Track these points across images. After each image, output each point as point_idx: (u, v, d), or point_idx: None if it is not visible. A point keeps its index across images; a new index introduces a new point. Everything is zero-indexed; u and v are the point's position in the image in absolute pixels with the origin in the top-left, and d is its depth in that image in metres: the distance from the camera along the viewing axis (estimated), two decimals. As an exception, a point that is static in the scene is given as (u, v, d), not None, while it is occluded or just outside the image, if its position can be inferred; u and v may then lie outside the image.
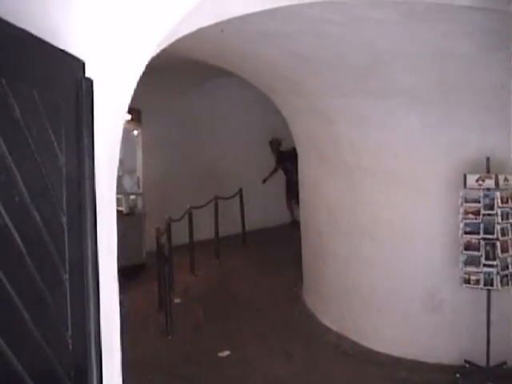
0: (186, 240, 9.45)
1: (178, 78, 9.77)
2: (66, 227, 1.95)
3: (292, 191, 11.21)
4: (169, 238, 8.42)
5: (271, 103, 8.43)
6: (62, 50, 1.95)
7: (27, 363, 1.66)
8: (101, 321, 2.15)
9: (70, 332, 1.96)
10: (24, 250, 1.68)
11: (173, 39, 3.01)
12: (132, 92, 2.64)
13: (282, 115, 8.41)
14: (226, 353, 6.51)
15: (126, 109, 2.65)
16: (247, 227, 11.41)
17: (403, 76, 5.68)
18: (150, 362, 6.17)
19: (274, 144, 12.36)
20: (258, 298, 8.32)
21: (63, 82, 1.98)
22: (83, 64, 2.10)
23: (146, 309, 7.80)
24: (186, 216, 9.39)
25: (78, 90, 2.06)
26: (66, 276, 1.95)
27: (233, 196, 11.14)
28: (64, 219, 1.94)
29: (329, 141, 7.17)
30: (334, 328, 7.08)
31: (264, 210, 11.85)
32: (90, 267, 2.08)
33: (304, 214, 8.30)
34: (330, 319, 7.26)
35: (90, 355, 2.08)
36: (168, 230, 8.50)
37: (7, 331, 1.58)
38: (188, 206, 9.44)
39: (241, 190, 11.30)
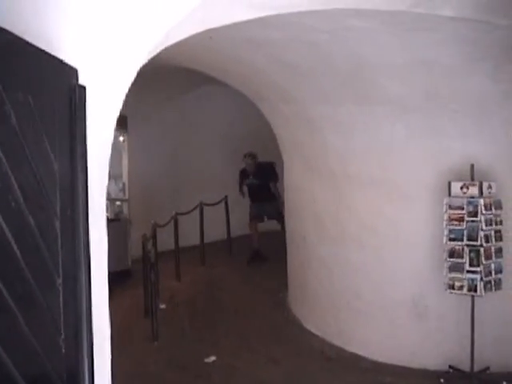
0: (172, 246, 9.46)
1: (166, 84, 9.82)
2: (59, 232, 1.97)
3: (259, 209, 10.63)
4: (154, 244, 8.42)
5: (256, 111, 8.52)
6: (57, 58, 1.98)
7: (21, 366, 1.68)
8: (93, 325, 2.18)
9: (62, 336, 1.98)
10: (19, 254, 1.70)
11: (164, 46, 3.04)
12: (123, 98, 2.67)
13: (264, 123, 8.53)
14: (212, 358, 6.52)
15: (117, 115, 2.68)
16: (232, 234, 11.44)
17: (388, 84, 5.75)
18: (136, 368, 6.16)
19: (250, 157, 10.64)
20: (243, 304, 8.35)
21: (57, 88, 2.01)
22: (76, 71, 2.13)
23: (132, 315, 7.79)
24: (172, 222, 9.40)
25: (72, 96, 2.09)
26: (60, 281, 1.97)
27: (218, 202, 11.17)
28: (57, 224, 1.96)
29: (315, 148, 7.22)
30: (319, 334, 7.11)
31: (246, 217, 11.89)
32: (82, 272, 2.11)
33: (289, 221, 8.34)
34: (315, 325, 7.29)
35: (82, 359, 2.10)
36: (154, 236, 8.50)
37: (2, 334, 1.60)
38: (174, 213, 9.46)
39: (226, 196, 11.35)
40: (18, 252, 1.69)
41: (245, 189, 10.94)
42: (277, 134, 8.32)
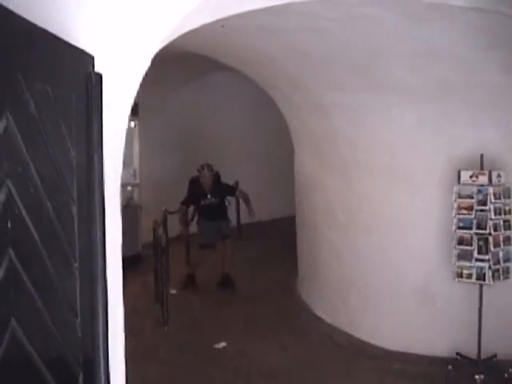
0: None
1: (177, 71, 9.83)
2: (76, 217, 2.01)
3: (214, 229, 8.67)
4: (165, 230, 8.48)
5: (266, 100, 8.55)
6: (73, 45, 2.01)
7: (40, 349, 1.73)
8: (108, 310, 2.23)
9: (79, 320, 2.03)
10: (38, 239, 1.74)
11: (178, 34, 3.07)
12: (137, 86, 2.71)
13: (274, 110, 8.55)
14: (222, 344, 6.59)
15: (132, 102, 2.71)
16: (242, 220, 11.49)
17: (400, 73, 5.76)
18: (147, 353, 6.23)
19: (208, 169, 8.59)
20: (253, 290, 8.41)
21: (74, 76, 2.04)
22: (93, 58, 2.16)
23: (142, 300, 7.85)
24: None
25: (88, 84, 2.12)
26: (76, 265, 2.01)
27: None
28: (74, 209, 2.00)
29: (326, 136, 7.24)
30: (329, 320, 7.18)
31: (259, 204, 11.91)
32: (98, 257, 2.15)
33: (300, 208, 8.38)
34: (324, 312, 7.35)
35: (97, 344, 2.14)
36: (164, 221, 8.56)
37: (22, 317, 1.65)
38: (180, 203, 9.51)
39: (237, 182, 11.37)
40: (36, 235, 1.73)
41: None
42: (288, 121, 8.34)
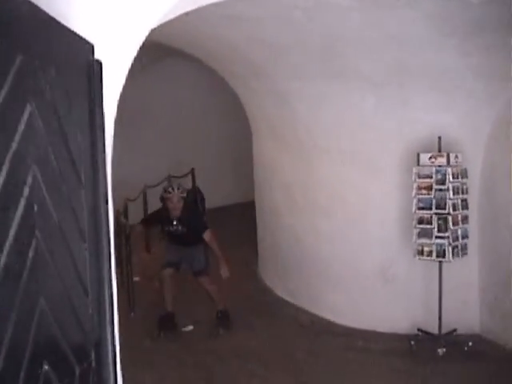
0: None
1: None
2: (84, 200, 2.08)
3: (180, 254, 7.01)
4: (126, 218, 8.48)
5: (222, 85, 8.62)
6: (77, 34, 2.07)
7: (60, 320, 1.82)
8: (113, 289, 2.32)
9: (90, 297, 2.11)
10: (57, 221, 1.82)
11: (167, 19, 3.13)
12: (126, 73, 2.77)
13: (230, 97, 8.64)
14: (190, 327, 6.69)
15: (121, 89, 2.77)
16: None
17: (359, 60, 5.91)
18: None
19: (179, 192, 6.75)
20: (214, 276, 8.48)
21: (79, 64, 2.11)
22: (93, 46, 2.23)
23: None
24: (142, 195, 9.47)
25: (90, 71, 2.19)
26: (86, 245, 2.09)
27: (185, 175, 11.23)
28: (83, 192, 2.07)
29: (285, 121, 7.37)
30: (292, 301, 7.36)
31: (215, 190, 11.98)
32: (103, 237, 2.23)
33: (259, 193, 8.50)
34: (287, 293, 7.52)
35: (104, 321, 2.23)
36: (125, 209, 8.57)
37: (48, 294, 1.73)
38: (143, 185, 9.52)
39: (193, 169, 11.42)
40: (55, 218, 1.81)
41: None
42: (246, 107, 8.43)
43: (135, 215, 9.30)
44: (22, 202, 1.58)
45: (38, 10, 1.71)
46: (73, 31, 2.03)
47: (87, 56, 2.19)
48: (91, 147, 2.17)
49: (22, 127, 1.59)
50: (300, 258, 7.32)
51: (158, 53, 9.42)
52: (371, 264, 6.63)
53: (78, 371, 1.96)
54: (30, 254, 1.62)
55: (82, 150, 2.07)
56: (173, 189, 6.75)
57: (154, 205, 9.61)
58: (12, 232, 1.50)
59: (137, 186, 9.52)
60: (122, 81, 2.76)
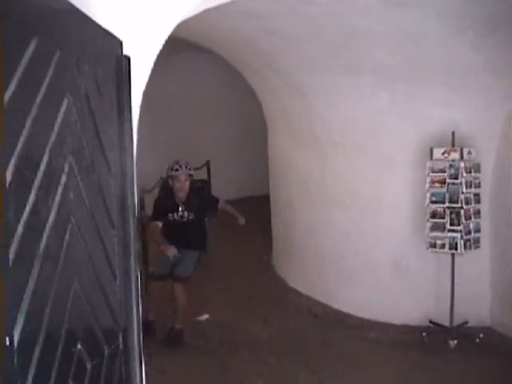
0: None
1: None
2: (112, 187, 2.19)
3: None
4: (143, 208, 8.59)
5: (238, 79, 8.70)
6: (107, 30, 2.17)
7: (92, 303, 1.93)
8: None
9: (117, 282, 2.22)
10: (89, 208, 1.93)
11: (193, 14, 3.23)
12: (152, 65, 2.87)
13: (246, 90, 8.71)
14: (205, 316, 6.80)
15: (146, 82, 2.87)
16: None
17: (375, 55, 5.97)
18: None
19: (185, 170, 6.27)
20: (228, 266, 8.60)
21: (109, 59, 2.22)
22: (121, 42, 2.33)
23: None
24: (157, 187, 9.57)
25: (119, 67, 2.29)
26: (114, 232, 2.20)
27: (201, 167, 11.35)
28: (112, 181, 2.18)
29: (301, 115, 7.45)
30: (306, 293, 7.44)
31: (231, 182, 12.09)
32: (130, 222, 2.34)
33: (274, 185, 8.60)
34: (301, 285, 7.62)
35: (131, 305, 2.35)
36: (142, 200, 8.68)
37: (82, 278, 1.84)
38: (159, 177, 9.62)
39: (208, 161, 11.53)
40: (87, 205, 1.92)
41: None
42: (262, 101, 8.52)
43: (150, 207, 9.45)
44: (60, 190, 1.69)
45: (72, 8, 1.82)
46: (103, 27, 2.13)
47: (116, 52, 2.29)
48: (119, 139, 2.28)
49: (59, 119, 1.70)
50: (314, 251, 7.42)
51: (174, 47, 9.51)
52: (384, 256, 6.71)
53: (106, 352, 2.08)
54: (67, 237, 1.74)
55: (111, 142, 2.19)
56: (180, 166, 6.12)
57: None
58: (52, 216, 1.62)
59: (151, 177, 9.63)
60: (147, 75, 2.86)
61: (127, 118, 2.32)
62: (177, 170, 6.14)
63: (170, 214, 6.30)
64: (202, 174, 11.21)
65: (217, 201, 6.67)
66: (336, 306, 6.99)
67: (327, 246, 7.19)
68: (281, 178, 8.25)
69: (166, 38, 2.90)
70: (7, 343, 1.34)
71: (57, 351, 1.65)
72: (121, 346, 2.24)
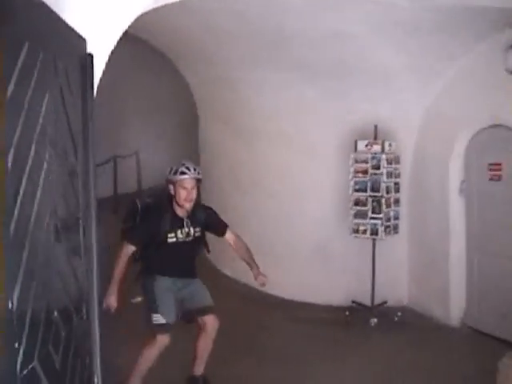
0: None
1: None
2: (79, 176, 2.42)
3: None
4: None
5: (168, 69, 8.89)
6: (74, 30, 2.38)
7: (64, 275, 2.17)
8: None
9: (82, 260, 2.46)
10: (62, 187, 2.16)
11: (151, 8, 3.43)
12: (106, 60, 3.05)
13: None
14: (139, 299, 6.97)
15: (99, 79, 3.07)
16: (144, 186, 11.81)
17: (304, 53, 6.28)
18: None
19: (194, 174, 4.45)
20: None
21: (76, 57, 2.43)
22: (85, 41, 2.54)
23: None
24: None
25: (83, 64, 2.51)
26: (80, 214, 2.44)
27: (130, 155, 11.47)
28: (79, 168, 2.41)
29: (231, 106, 7.73)
30: (235, 277, 7.77)
31: (158, 171, 12.20)
32: (92, 209, 2.57)
33: (205, 173, 8.80)
34: (230, 269, 7.93)
35: (92, 280, 2.58)
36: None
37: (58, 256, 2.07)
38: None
39: (136, 152, 11.71)
40: (60, 183, 2.14)
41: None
42: (194, 91, 8.73)
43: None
44: (43, 174, 1.92)
45: (54, 14, 2.03)
46: (72, 27, 2.34)
47: (81, 50, 2.51)
48: (83, 131, 2.50)
49: (43, 113, 1.92)
50: (242, 236, 7.66)
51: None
52: (311, 242, 7.12)
53: (75, 321, 2.31)
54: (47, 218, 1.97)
55: (78, 133, 2.41)
56: (188, 169, 4.51)
57: (99, 183, 9.83)
58: (38, 195, 1.85)
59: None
60: (102, 70, 3.05)
61: (90, 111, 2.54)
62: (183, 173, 4.48)
63: (172, 235, 4.64)
64: (132, 162, 11.34)
65: (225, 225, 5.08)
66: (269, 290, 7.24)
67: (255, 231, 7.43)
68: (211, 165, 8.48)
69: (120, 35, 3.08)
70: (9, 306, 1.58)
71: (40, 316, 1.89)
72: (84, 317, 2.48)
